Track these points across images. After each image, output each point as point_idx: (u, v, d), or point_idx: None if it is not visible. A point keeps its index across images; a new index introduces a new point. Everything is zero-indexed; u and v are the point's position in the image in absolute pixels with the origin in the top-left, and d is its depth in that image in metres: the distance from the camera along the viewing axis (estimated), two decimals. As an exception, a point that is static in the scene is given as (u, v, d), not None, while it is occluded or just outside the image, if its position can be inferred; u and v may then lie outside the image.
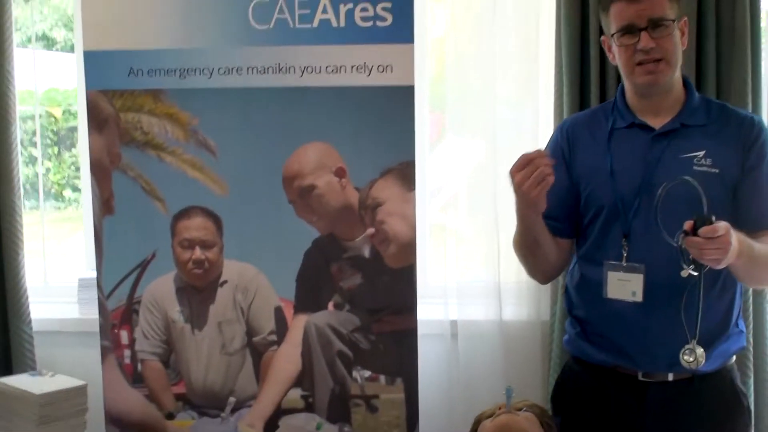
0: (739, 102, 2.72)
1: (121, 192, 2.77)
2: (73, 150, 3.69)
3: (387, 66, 2.64)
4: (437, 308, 3.08)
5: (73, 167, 3.74)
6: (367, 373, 2.77)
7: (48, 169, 3.67)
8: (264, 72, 2.68)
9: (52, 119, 3.62)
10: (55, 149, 3.63)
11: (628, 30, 2.21)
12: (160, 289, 2.81)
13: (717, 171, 2.21)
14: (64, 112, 3.59)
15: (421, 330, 2.77)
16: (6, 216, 3.10)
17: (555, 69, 2.87)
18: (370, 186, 2.69)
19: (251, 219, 2.74)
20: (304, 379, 2.78)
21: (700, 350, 2.13)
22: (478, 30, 3.02)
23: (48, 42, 3.59)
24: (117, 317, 2.82)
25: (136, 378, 2.84)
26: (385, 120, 2.66)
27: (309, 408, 2.79)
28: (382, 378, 2.77)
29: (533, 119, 2.97)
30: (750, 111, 2.71)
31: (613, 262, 2.25)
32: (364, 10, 2.62)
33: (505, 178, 2.17)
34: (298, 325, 2.77)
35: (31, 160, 3.59)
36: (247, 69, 2.68)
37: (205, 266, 2.78)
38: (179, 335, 2.82)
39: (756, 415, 2.85)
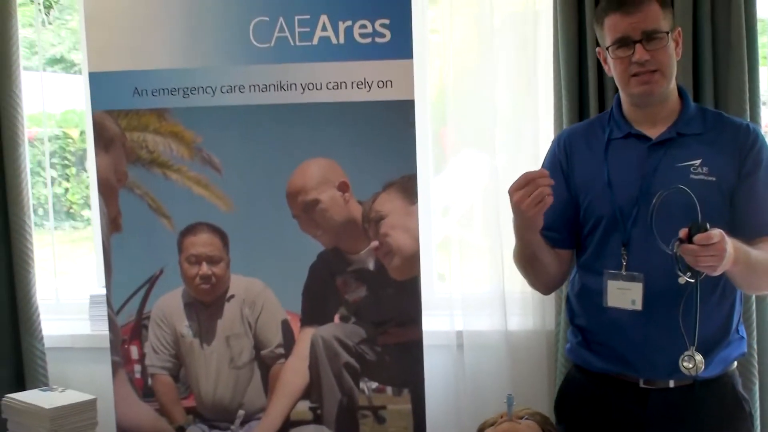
0: (736, 110, 2.73)
1: (128, 210, 2.81)
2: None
3: (387, 81, 2.67)
4: (443, 319, 3.10)
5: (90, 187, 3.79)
6: (374, 385, 2.79)
7: (66, 189, 3.72)
8: (266, 90, 2.72)
9: (70, 140, 3.66)
10: (73, 170, 3.67)
11: (623, 42, 2.22)
12: (169, 304, 2.85)
13: (713, 179, 2.23)
14: (81, 133, 3.64)
15: (427, 341, 2.80)
16: (17, 235, 3.15)
17: (554, 81, 2.90)
18: (372, 200, 2.73)
19: (257, 234, 2.77)
20: (312, 391, 2.81)
21: (699, 357, 2.13)
22: (476, 45, 3.05)
23: (66, 64, 3.64)
24: (127, 333, 2.86)
25: (146, 392, 2.88)
26: (385, 134, 2.70)
27: (317, 420, 2.81)
28: (389, 389, 2.80)
29: (533, 133, 3.00)
30: (747, 119, 2.72)
31: (612, 271, 2.26)
32: (363, 27, 2.66)
33: (507, 190, 2.19)
34: (304, 337, 2.80)
35: (51, 181, 3.63)
36: (250, 87, 2.72)
37: (213, 281, 2.82)
38: (188, 350, 2.86)
39: (762, 421, 2.86)
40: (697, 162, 2.24)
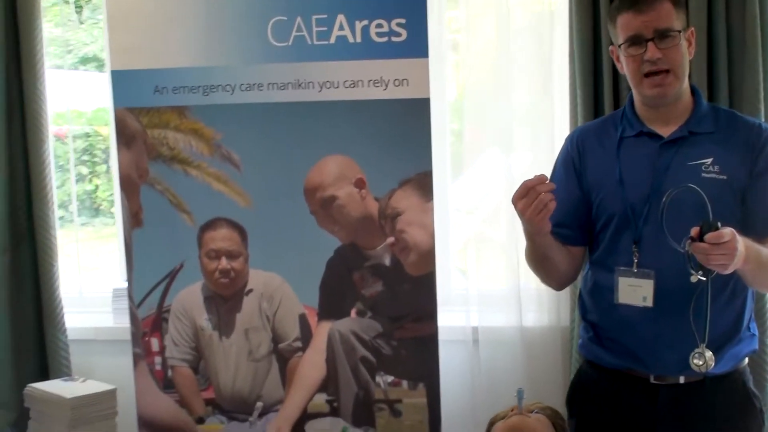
0: (751, 110, 2.73)
1: (149, 205, 2.87)
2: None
3: (403, 80, 2.71)
4: (459, 315, 3.13)
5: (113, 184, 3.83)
6: (390, 378, 2.83)
7: (96, 187, 3.77)
8: (284, 87, 2.76)
9: (100, 137, 3.71)
10: (103, 167, 3.72)
11: (635, 41, 2.23)
12: (189, 298, 2.90)
13: (725, 178, 2.24)
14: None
15: (443, 336, 2.83)
16: (41, 230, 3.22)
17: (569, 81, 2.91)
18: (389, 196, 2.76)
19: (275, 229, 2.82)
20: (328, 384, 2.85)
21: (709, 354, 2.16)
22: (494, 45, 3.07)
23: (99, 63, 3.71)
24: (147, 325, 2.92)
25: (166, 384, 2.93)
26: (402, 132, 2.73)
27: (334, 412, 2.85)
28: (405, 383, 2.83)
29: (549, 131, 3.01)
30: (762, 119, 2.73)
31: (623, 268, 2.28)
32: (379, 26, 2.69)
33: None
34: (322, 331, 2.85)
35: (81, 178, 3.70)
36: (268, 85, 2.77)
37: (231, 275, 2.87)
38: (208, 342, 2.91)
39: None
40: (709, 160, 2.25)
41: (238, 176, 2.82)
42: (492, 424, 2.30)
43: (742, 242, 2.08)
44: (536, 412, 2.25)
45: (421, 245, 2.77)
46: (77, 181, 3.65)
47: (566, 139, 2.49)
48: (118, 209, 3.40)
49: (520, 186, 2.16)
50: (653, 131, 2.31)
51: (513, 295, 3.07)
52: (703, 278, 2.10)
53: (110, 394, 2.53)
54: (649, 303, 2.24)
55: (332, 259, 2.82)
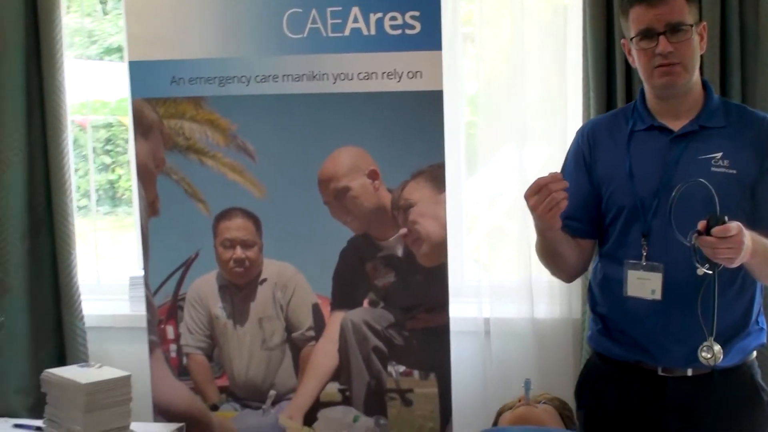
0: (763, 105, 2.72)
1: (165, 195, 2.90)
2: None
3: (416, 72, 2.73)
4: (471, 306, 3.15)
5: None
6: (402, 368, 2.86)
7: (120, 176, 3.80)
8: (299, 79, 2.79)
9: (123, 127, 3.74)
10: (126, 157, 3.76)
11: (647, 34, 2.23)
12: (204, 286, 2.93)
13: (734, 172, 2.24)
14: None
15: (455, 327, 2.85)
16: (59, 218, 3.26)
17: (582, 75, 2.92)
18: (401, 188, 2.79)
19: (289, 220, 2.85)
20: (341, 373, 2.88)
21: (717, 347, 2.16)
22: (508, 39, 3.10)
23: (122, 54, 3.73)
24: (163, 313, 2.96)
25: (181, 371, 2.97)
26: (415, 124, 2.75)
27: (346, 401, 2.88)
28: (416, 373, 2.86)
29: (563, 125, 3.03)
30: (775, 114, 2.73)
31: (633, 261, 2.28)
32: (393, 18, 2.72)
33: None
34: (334, 321, 2.88)
35: (104, 168, 3.74)
36: (283, 76, 2.79)
37: (246, 265, 2.90)
38: (222, 330, 2.94)
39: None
40: (719, 155, 2.26)
41: (253, 167, 2.85)
42: (500, 414, 2.33)
43: (749, 236, 2.08)
44: (544, 403, 2.27)
45: (433, 236, 2.79)
46: (101, 170, 3.69)
47: (577, 132, 2.50)
48: (135, 198, 3.45)
49: (533, 183, 2.17)
50: (664, 125, 2.32)
51: (525, 287, 3.08)
52: (710, 272, 2.10)
53: (125, 381, 2.56)
54: (658, 296, 2.25)
55: (345, 250, 2.85)
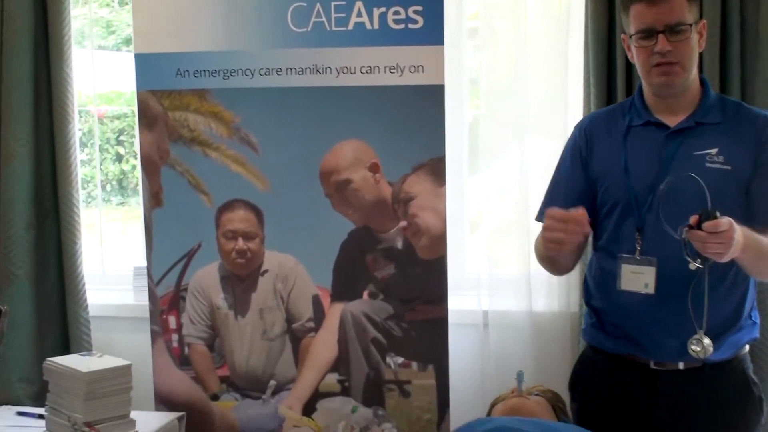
0: (763, 102, 2.73)
1: (169, 186, 2.93)
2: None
3: (418, 66, 2.75)
4: (470, 299, 3.17)
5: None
6: (400, 360, 2.88)
7: (134, 166, 3.80)
8: (302, 72, 2.81)
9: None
10: (139, 147, 3.79)
11: (647, 33, 2.24)
12: (206, 277, 2.96)
13: (729, 168, 2.26)
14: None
15: (454, 319, 2.88)
16: (65, 207, 3.28)
17: (583, 71, 2.94)
18: (402, 181, 2.81)
19: (290, 212, 2.87)
20: (340, 364, 2.90)
21: (707, 340, 2.18)
22: (511, 34, 3.12)
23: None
24: (165, 303, 2.99)
25: (183, 361, 3.00)
26: (416, 118, 2.77)
27: (345, 392, 2.91)
28: (415, 364, 2.88)
29: (563, 121, 3.04)
30: (773, 112, 2.75)
31: (626, 255, 2.30)
32: (396, 13, 2.74)
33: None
34: (334, 312, 2.90)
35: (118, 158, 3.77)
36: (287, 70, 2.82)
37: (248, 256, 2.93)
38: (223, 321, 2.97)
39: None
40: (714, 151, 2.28)
41: (256, 159, 2.88)
42: (493, 405, 2.35)
43: (740, 232, 2.10)
44: (536, 395, 2.29)
45: (432, 229, 2.82)
46: (114, 161, 3.72)
47: (575, 127, 2.52)
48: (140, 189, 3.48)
49: (558, 213, 2.20)
50: (660, 121, 2.34)
51: (523, 281, 3.10)
52: (700, 266, 2.13)
53: (125, 370, 2.57)
54: (651, 290, 2.27)
55: (346, 242, 2.87)
